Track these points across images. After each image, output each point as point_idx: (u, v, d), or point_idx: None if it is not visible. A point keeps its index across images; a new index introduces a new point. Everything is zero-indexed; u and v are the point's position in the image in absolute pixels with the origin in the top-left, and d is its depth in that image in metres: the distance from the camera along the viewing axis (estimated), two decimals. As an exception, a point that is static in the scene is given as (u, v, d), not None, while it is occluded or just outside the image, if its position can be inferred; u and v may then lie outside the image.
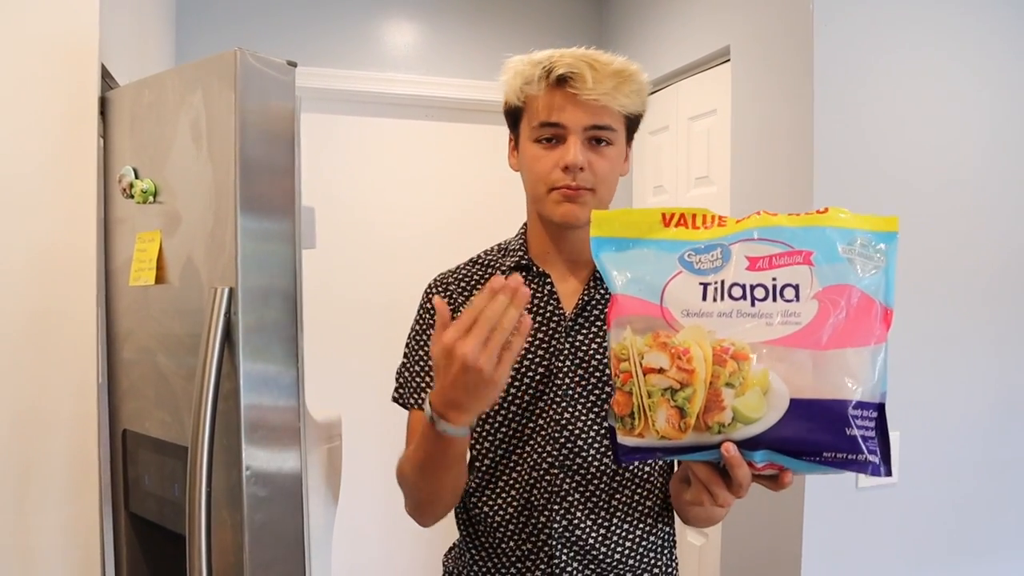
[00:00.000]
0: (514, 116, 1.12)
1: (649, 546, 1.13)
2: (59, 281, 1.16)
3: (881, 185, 1.80)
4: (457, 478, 1.02)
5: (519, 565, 1.10)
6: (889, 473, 0.73)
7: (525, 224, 1.20)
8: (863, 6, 1.77)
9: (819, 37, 1.75)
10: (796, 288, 0.73)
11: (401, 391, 1.17)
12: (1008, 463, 1.93)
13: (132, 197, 1.13)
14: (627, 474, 1.09)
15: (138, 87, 1.15)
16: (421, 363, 1.14)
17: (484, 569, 1.13)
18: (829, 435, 0.71)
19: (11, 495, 1.14)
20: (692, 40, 2.34)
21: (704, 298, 0.74)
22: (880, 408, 0.73)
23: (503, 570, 1.11)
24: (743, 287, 0.74)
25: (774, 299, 0.73)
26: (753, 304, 0.73)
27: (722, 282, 0.75)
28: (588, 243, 1.10)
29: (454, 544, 1.23)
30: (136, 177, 1.13)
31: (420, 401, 1.12)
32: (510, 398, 1.09)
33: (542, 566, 1.08)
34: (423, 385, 1.13)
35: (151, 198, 1.11)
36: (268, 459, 1.02)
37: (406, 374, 1.16)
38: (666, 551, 1.16)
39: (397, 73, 2.73)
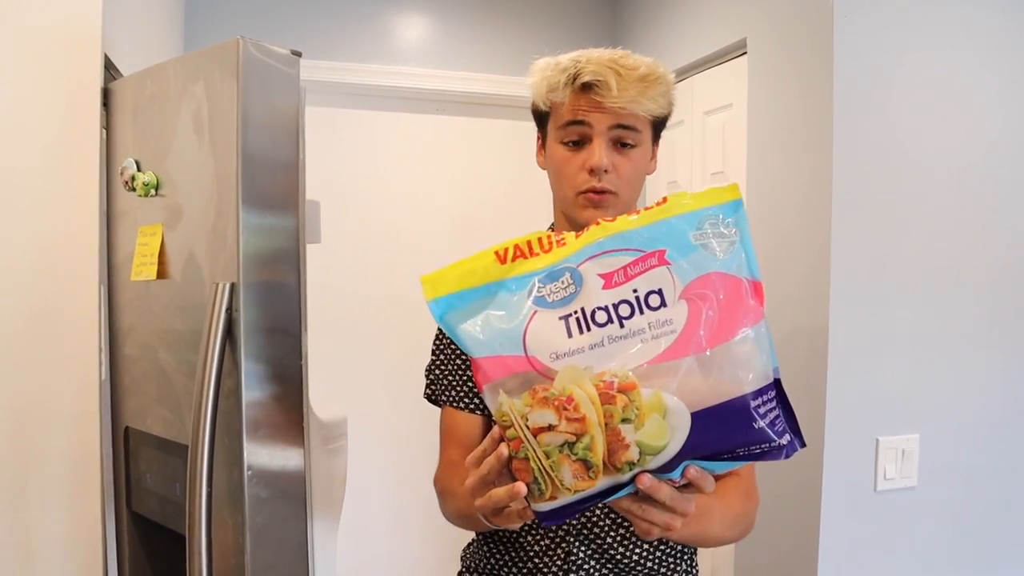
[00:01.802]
0: (541, 118, 1.13)
1: (668, 550, 1.12)
2: (61, 276, 1.14)
3: (901, 182, 1.76)
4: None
5: (536, 560, 1.09)
6: (803, 445, 0.70)
7: (552, 225, 1.21)
8: (884, -3, 1.73)
9: (839, 29, 1.71)
10: (660, 293, 0.69)
11: (432, 387, 1.18)
12: (1030, 466, 1.89)
13: (134, 190, 1.11)
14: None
15: (141, 77, 1.13)
16: (450, 360, 1.15)
17: (501, 563, 1.13)
18: (739, 435, 0.67)
19: (13, 493, 1.12)
20: (707, 32, 2.30)
21: (569, 335, 0.69)
22: (777, 384, 0.69)
23: (520, 565, 1.11)
24: (606, 310, 0.69)
25: (641, 311, 0.69)
26: (622, 325, 0.68)
27: (582, 310, 0.69)
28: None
29: (472, 539, 1.23)
30: (138, 170, 1.11)
31: (451, 398, 1.14)
32: None
33: (559, 562, 1.08)
34: (454, 382, 1.14)
35: (153, 191, 1.09)
36: (270, 458, 1.00)
37: (436, 372, 1.17)
38: (686, 557, 1.15)
39: (408, 67, 2.70)
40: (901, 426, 1.76)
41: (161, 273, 1.09)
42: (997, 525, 1.87)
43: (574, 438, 0.67)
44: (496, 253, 0.73)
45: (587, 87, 1.03)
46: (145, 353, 1.14)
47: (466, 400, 1.13)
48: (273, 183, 1.00)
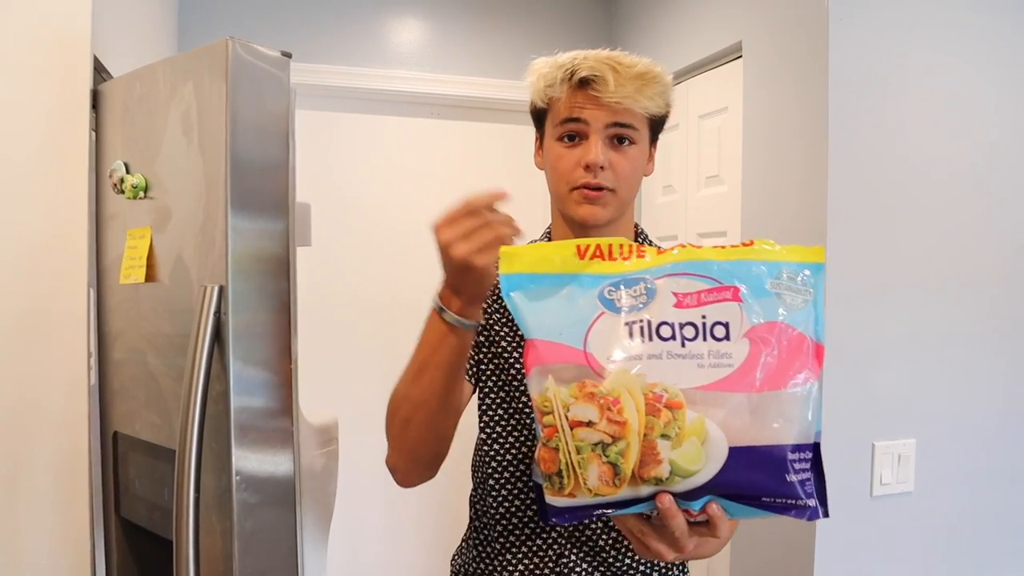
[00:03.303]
0: (539, 117, 1.13)
1: None
2: (50, 279, 1.13)
3: (896, 185, 1.75)
4: (449, 391, 0.95)
5: (527, 563, 1.09)
6: (826, 514, 0.70)
7: (549, 227, 1.20)
8: (879, 0, 1.73)
9: (834, 32, 1.71)
10: (726, 326, 0.69)
11: None
12: (1027, 471, 1.88)
13: (123, 192, 1.10)
14: None
15: (130, 79, 1.12)
16: None
17: (492, 568, 1.12)
18: (769, 482, 0.68)
19: (0, 498, 1.11)
20: (703, 36, 2.30)
21: (631, 339, 0.69)
22: (815, 448, 0.70)
23: (511, 568, 1.10)
24: (672, 326, 0.69)
25: (704, 338, 0.69)
26: (683, 345, 0.69)
27: (649, 321, 0.70)
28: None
29: (461, 544, 1.22)
30: (127, 172, 1.10)
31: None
32: (522, 393, 1.08)
33: (550, 564, 1.07)
34: None
35: (142, 193, 1.08)
36: (259, 464, 0.99)
37: None
38: (679, 562, 1.13)
39: (403, 71, 2.70)
40: (897, 431, 1.76)
41: (150, 276, 1.08)
42: (993, 530, 1.86)
43: (610, 440, 0.67)
44: (578, 247, 0.74)
45: (584, 83, 1.03)
46: (134, 357, 1.13)
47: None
48: (262, 185, 0.99)
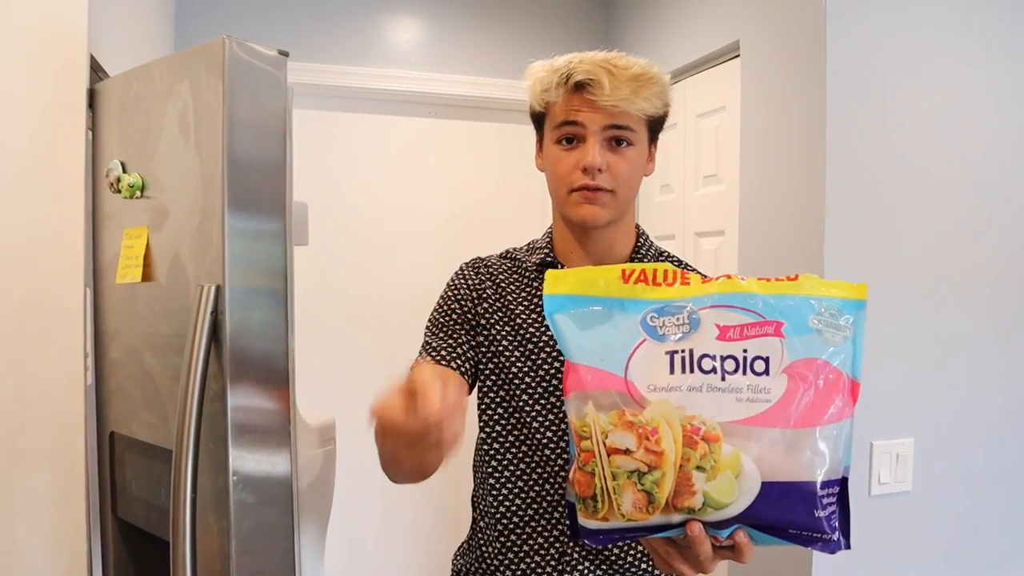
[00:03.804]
0: (538, 120, 1.14)
1: None
2: (46, 279, 1.12)
3: (894, 184, 1.75)
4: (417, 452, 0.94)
5: (528, 560, 1.09)
6: (848, 546, 0.72)
7: (550, 228, 1.21)
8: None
9: (832, 31, 1.71)
10: (767, 361, 0.70)
11: (423, 349, 1.15)
12: (1025, 470, 1.88)
13: (119, 192, 1.10)
14: None
15: (126, 78, 1.12)
16: (445, 328, 1.14)
17: (493, 567, 1.12)
18: (798, 516, 0.69)
19: (-4, 499, 1.11)
20: (700, 35, 2.30)
21: (672, 371, 0.70)
22: (843, 483, 0.71)
23: (513, 567, 1.10)
24: (713, 359, 0.70)
25: (744, 372, 0.70)
26: (723, 378, 0.70)
27: (691, 351, 0.71)
28: (612, 243, 1.11)
29: (464, 542, 1.22)
30: (124, 171, 1.10)
31: (433, 353, 1.11)
32: (520, 389, 1.09)
33: (552, 563, 1.08)
34: (444, 343, 1.12)
35: (138, 193, 1.08)
36: (256, 464, 0.99)
37: (428, 337, 1.16)
38: None
39: (400, 70, 2.70)
40: (895, 430, 1.76)
41: (146, 276, 1.07)
42: (992, 529, 1.86)
43: (646, 469, 0.68)
44: (623, 271, 0.75)
45: (580, 87, 1.03)
46: (130, 357, 1.13)
47: (453, 358, 1.10)
48: (259, 184, 0.99)
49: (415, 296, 2.90)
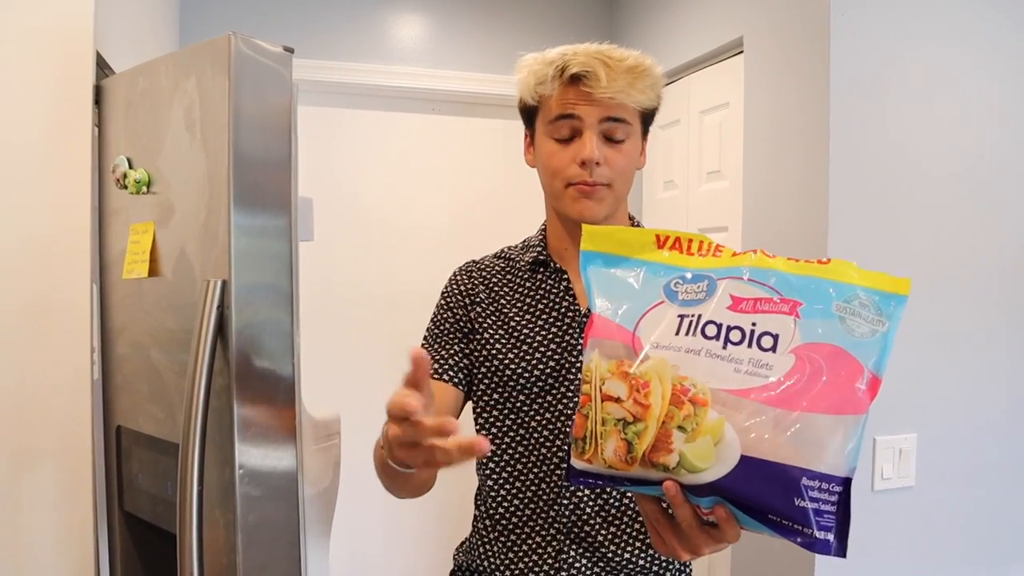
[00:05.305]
0: (529, 114, 1.12)
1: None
2: (53, 274, 1.13)
3: (897, 180, 1.75)
4: (420, 486, 1.04)
5: (526, 559, 1.09)
6: (843, 554, 0.68)
7: (544, 223, 1.20)
8: (881, -5, 1.73)
9: (835, 28, 1.71)
10: (775, 338, 0.69)
11: None
12: (1028, 466, 1.88)
13: (126, 187, 1.10)
14: None
15: (132, 74, 1.13)
16: (439, 339, 1.16)
17: (495, 563, 1.12)
18: (776, 500, 0.67)
19: (4, 493, 1.11)
20: (704, 31, 2.29)
21: (676, 332, 0.72)
22: (846, 483, 0.68)
23: (512, 565, 1.10)
24: (719, 327, 0.71)
25: (749, 345, 0.70)
26: (725, 347, 0.70)
27: (699, 316, 0.72)
28: None
29: (466, 538, 1.22)
30: (130, 167, 1.11)
31: (436, 367, 1.12)
32: (516, 389, 1.09)
33: (550, 560, 1.07)
34: (440, 353, 1.14)
35: (145, 188, 1.09)
36: (262, 457, 0.99)
37: (424, 344, 1.18)
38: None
39: (403, 66, 2.70)
40: (899, 426, 1.76)
41: (153, 271, 1.08)
42: (995, 525, 1.86)
43: (631, 419, 0.69)
44: (657, 236, 0.78)
45: (576, 79, 1.02)
46: (137, 352, 1.13)
47: (445, 370, 1.11)
48: (265, 180, 1.00)
49: (420, 291, 2.91)
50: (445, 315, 1.16)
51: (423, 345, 1.18)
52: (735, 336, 0.70)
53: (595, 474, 0.72)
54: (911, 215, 1.76)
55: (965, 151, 1.81)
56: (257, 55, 0.98)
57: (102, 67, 1.22)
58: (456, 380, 1.11)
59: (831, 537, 0.67)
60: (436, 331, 1.16)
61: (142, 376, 1.13)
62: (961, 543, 1.83)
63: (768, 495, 0.67)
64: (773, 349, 0.69)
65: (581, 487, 1.06)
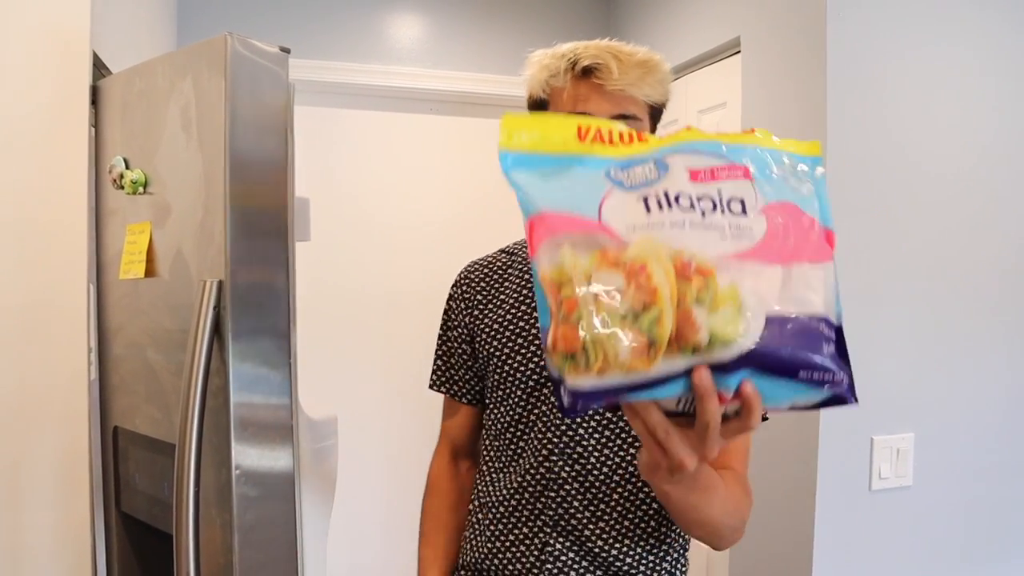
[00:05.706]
0: (539, 109, 1.12)
1: (650, 548, 1.10)
2: (50, 274, 1.13)
3: (894, 181, 1.75)
4: None
5: (513, 550, 1.09)
6: (856, 400, 0.66)
7: None
8: (878, -5, 1.73)
9: (832, 28, 1.71)
10: (742, 202, 0.66)
11: (435, 376, 1.22)
12: (1025, 465, 1.89)
13: (123, 188, 1.10)
14: (630, 468, 1.07)
15: (129, 75, 1.13)
16: (451, 350, 1.19)
17: (482, 555, 1.13)
18: (809, 352, 0.63)
19: (0, 494, 1.11)
20: (701, 31, 2.30)
21: (648, 210, 0.64)
22: (839, 331, 0.66)
23: (499, 556, 1.11)
24: (690, 197, 0.65)
25: (723, 212, 0.65)
26: (703, 216, 0.65)
27: (665, 191, 0.65)
28: None
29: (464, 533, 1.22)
30: (126, 167, 1.11)
31: (449, 389, 1.20)
32: (515, 385, 1.10)
33: (535, 552, 1.08)
34: (455, 373, 1.19)
35: (141, 189, 1.08)
36: (259, 458, 0.99)
37: (439, 362, 1.22)
38: (671, 554, 1.13)
39: (402, 66, 2.70)
40: (896, 425, 1.76)
41: (149, 271, 1.08)
42: (992, 524, 1.86)
43: (641, 308, 0.61)
44: (579, 127, 0.69)
45: (587, 72, 1.02)
46: (134, 352, 1.13)
47: (463, 392, 1.18)
48: (261, 180, 0.99)
49: (417, 291, 2.92)
50: (451, 324, 1.19)
51: (437, 351, 1.22)
52: (707, 205, 0.65)
53: (608, 389, 0.62)
54: (908, 215, 1.76)
55: (963, 150, 1.81)
56: (253, 55, 0.98)
57: (99, 67, 1.22)
58: (474, 400, 1.18)
59: (849, 380, 0.65)
60: (446, 349, 1.20)
61: (139, 376, 1.13)
62: (958, 543, 1.84)
63: (803, 348, 0.64)
64: (744, 212, 0.66)
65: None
